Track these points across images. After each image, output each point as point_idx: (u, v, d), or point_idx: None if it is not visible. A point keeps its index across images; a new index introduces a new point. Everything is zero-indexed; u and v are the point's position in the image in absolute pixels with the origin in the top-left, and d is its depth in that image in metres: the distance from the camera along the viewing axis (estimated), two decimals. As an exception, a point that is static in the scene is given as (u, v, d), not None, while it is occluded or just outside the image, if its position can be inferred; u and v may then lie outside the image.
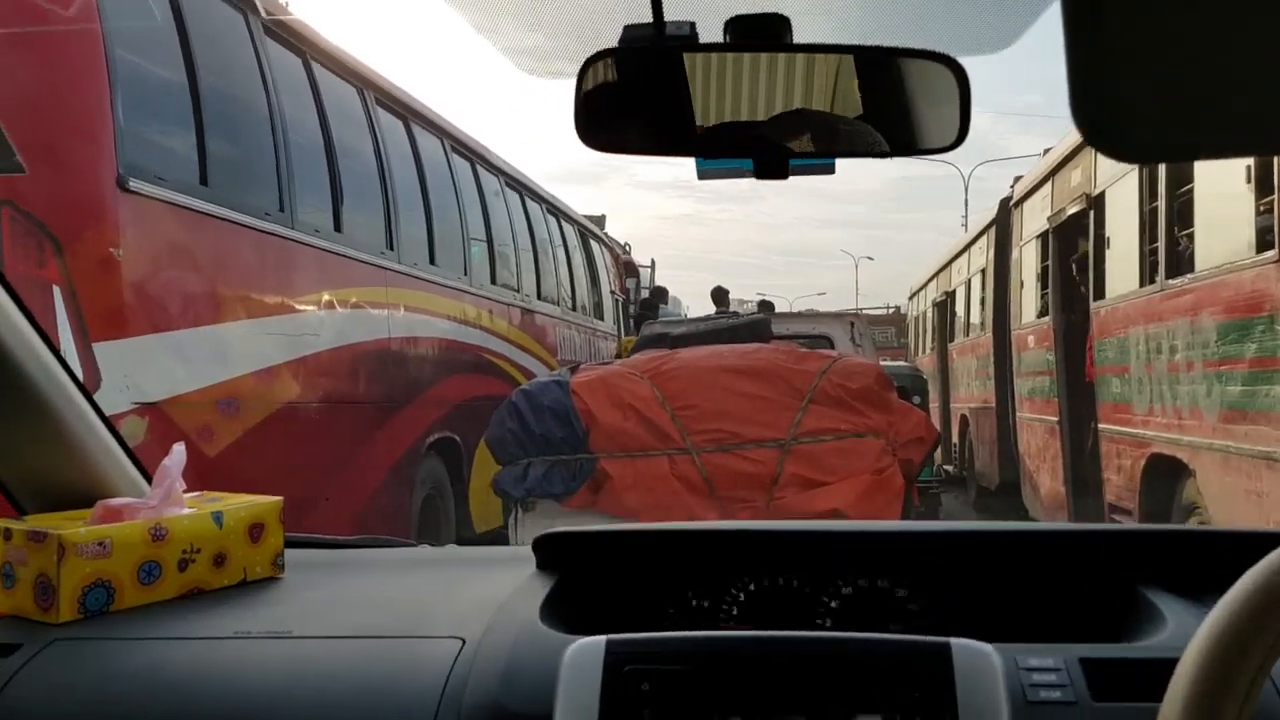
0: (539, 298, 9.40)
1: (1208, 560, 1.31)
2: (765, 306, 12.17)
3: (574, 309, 10.50)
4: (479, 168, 8.26)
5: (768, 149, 1.14)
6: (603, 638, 1.14)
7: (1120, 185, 6.31)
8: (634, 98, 1.14)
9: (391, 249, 6.29)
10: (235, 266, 4.74)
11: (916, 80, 1.14)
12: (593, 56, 1.10)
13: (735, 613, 1.45)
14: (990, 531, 1.53)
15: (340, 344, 5.50)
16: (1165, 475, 5.76)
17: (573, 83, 1.12)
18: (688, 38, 1.04)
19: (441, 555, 1.81)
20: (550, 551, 1.47)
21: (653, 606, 1.45)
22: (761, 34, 1.05)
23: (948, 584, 1.43)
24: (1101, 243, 6.73)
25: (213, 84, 4.56)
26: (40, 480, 1.51)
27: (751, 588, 1.45)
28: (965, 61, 1.10)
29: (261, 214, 4.89)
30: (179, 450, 1.50)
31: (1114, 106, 0.55)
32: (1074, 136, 7.62)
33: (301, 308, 5.19)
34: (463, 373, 7.32)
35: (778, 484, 4.79)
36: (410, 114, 6.92)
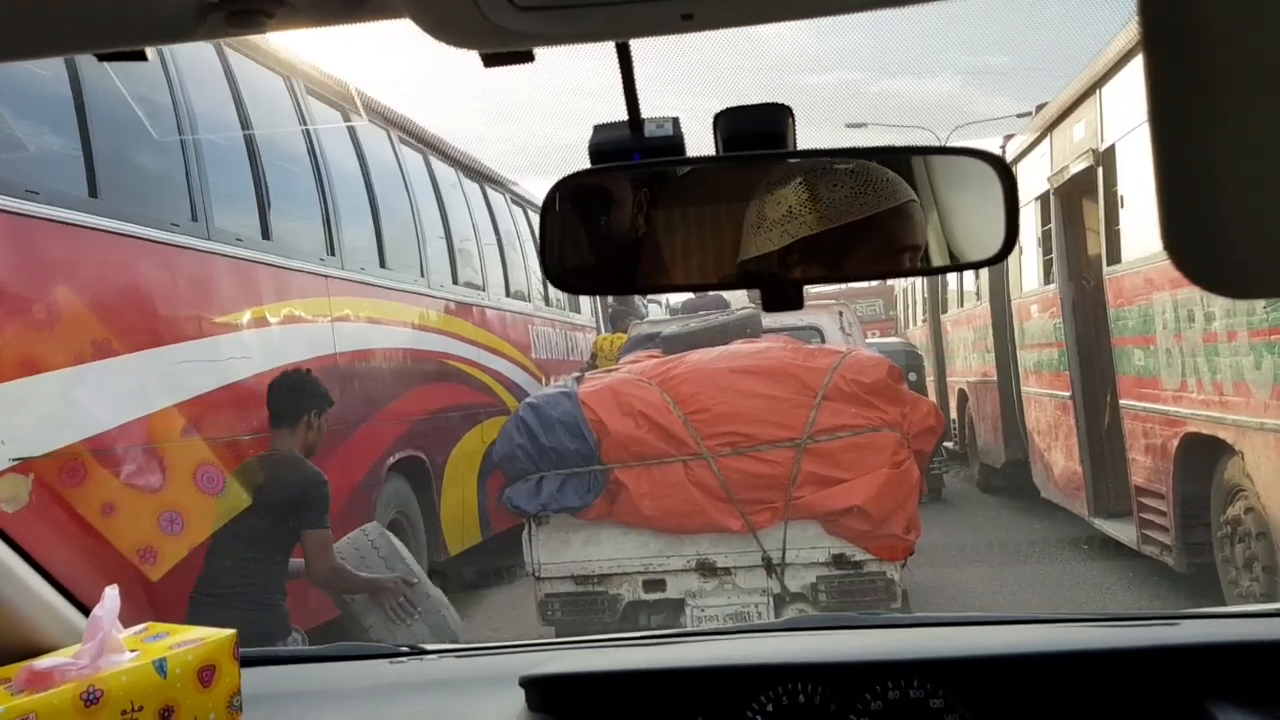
0: (507, 295, 8.77)
1: (1275, 669, 1.26)
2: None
3: (547, 303, 9.88)
4: (430, 158, 7.60)
5: (776, 280, 0.96)
6: None
7: (1134, 137, 5.72)
8: (609, 230, 0.97)
9: (332, 254, 5.65)
10: (135, 287, 4.10)
11: (953, 182, 1.00)
12: (557, 185, 0.95)
13: None
14: (1036, 654, 1.39)
15: (273, 366, 4.87)
16: (1203, 456, 5.25)
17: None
18: (670, 138, 0.92)
19: (417, 676, 1.63)
20: (543, 693, 1.37)
21: None
22: (758, 130, 0.90)
23: (986, 692, 1.33)
24: (1114, 202, 6.14)
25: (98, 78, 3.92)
26: None
27: (770, 709, 1.34)
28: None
29: (168, 225, 4.25)
30: (111, 595, 1.34)
31: (1209, 239, 0.48)
32: (1070, 90, 7.07)
33: (224, 328, 4.55)
34: (425, 384, 6.69)
35: (795, 484, 4.70)
36: (346, 101, 6.27)
